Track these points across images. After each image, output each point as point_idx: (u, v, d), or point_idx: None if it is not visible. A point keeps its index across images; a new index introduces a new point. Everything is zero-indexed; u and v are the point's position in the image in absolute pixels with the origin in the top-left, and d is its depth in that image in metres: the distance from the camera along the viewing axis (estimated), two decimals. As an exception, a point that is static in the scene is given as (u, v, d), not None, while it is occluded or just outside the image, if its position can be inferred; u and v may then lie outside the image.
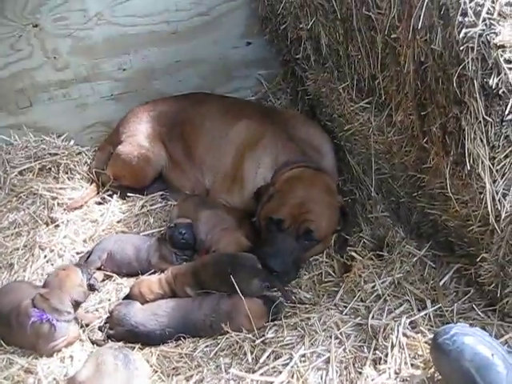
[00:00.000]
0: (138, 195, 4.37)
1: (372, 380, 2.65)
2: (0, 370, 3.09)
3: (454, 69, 2.43)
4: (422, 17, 2.56)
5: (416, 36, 2.67)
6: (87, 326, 3.35)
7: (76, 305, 3.22)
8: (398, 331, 2.79)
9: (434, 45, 2.54)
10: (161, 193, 4.40)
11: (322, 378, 2.74)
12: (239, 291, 3.02)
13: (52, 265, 3.83)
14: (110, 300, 3.53)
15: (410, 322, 2.88)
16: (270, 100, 5.03)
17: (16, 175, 4.62)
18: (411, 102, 2.96)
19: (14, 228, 4.18)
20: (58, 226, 4.15)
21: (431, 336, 2.67)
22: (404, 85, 2.97)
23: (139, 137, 4.42)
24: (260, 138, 4.00)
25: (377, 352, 2.77)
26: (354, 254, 3.37)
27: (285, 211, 3.44)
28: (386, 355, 2.72)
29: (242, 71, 5.10)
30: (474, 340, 2.39)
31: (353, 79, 3.58)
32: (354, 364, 2.77)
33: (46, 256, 3.89)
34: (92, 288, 3.60)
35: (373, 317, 2.97)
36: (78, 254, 3.91)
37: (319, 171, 3.71)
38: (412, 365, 2.66)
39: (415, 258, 3.28)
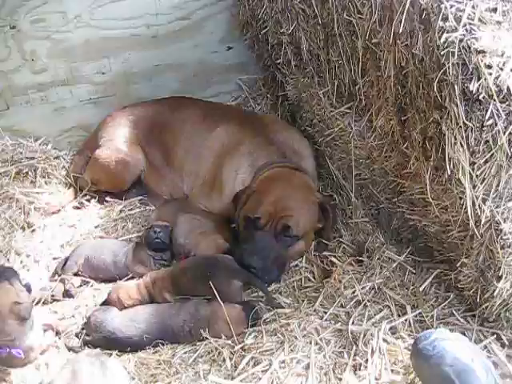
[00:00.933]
0: (116, 200, 4.33)
1: (352, 386, 2.64)
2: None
3: (435, 74, 2.45)
4: (403, 21, 2.57)
5: (397, 41, 2.69)
6: (62, 332, 3.29)
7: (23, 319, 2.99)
8: (378, 337, 2.78)
9: (414, 49, 2.55)
10: (139, 198, 4.36)
11: (301, 385, 2.72)
12: (218, 297, 3.00)
13: (28, 270, 3.76)
14: (87, 306, 3.46)
15: (390, 328, 2.88)
16: (250, 105, 5.03)
17: (-8, 179, 4.54)
18: (392, 107, 2.97)
19: (-10, 233, 4.11)
20: (34, 230, 4.08)
21: (411, 342, 2.67)
22: (384, 90, 2.99)
23: (117, 141, 4.38)
24: (239, 144, 3.97)
25: (357, 358, 2.75)
26: (333, 259, 3.36)
27: (261, 209, 3.41)
28: (366, 361, 2.71)
29: (223, 76, 5.08)
30: (454, 345, 2.39)
31: (333, 84, 3.59)
32: (333, 370, 2.75)
33: (22, 261, 3.81)
34: (68, 294, 3.55)
35: (353, 322, 2.96)
36: (54, 259, 3.84)
37: (297, 170, 3.70)
38: (392, 370, 2.66)
39: (395, 264, 3.28)
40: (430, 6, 2.40)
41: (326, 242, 3.59)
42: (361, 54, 3.11)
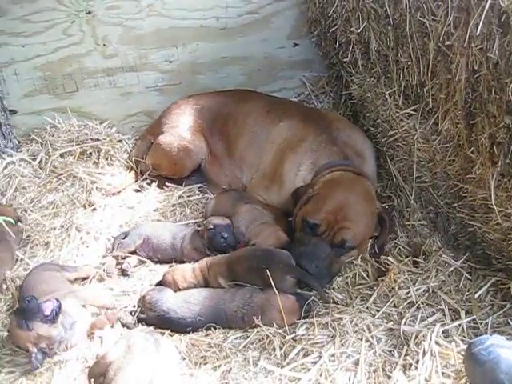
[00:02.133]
0: (175, 185, 4.43)
1: (401, 385, 2.64)
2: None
3: (510, 78, 2.42)
4: (480, 24, 2.54)
5: (471, 44, 2.65)
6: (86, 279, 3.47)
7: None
8: (430, 339, 2.76)
9: (490, 53, 2.52)
10: (199, 185, 4.44)
11: (350, 379, 2.72)
12: (273, 286, 3.02)
13: (87, 247, 3.90)
14: (142, 285, 3.56)
15: (443, 332, 2.85)
16: (312, 102, 5.05)
17: (57, 157, 4.72)
18: (460, 110, 2.94)
19: (53, 208, 4.27)
20: (95, 209, 4.22)
21: (464, 347, 2.65)
22: (454, 93, 2.96)
23: (181, 128, 4.47)
24: (302, 140, 3.98)
25: (407, 358, 2.74)
26: (390, 258, 3.35)
27: (321, 216, 3.40)
28: (417, 362, 2.69)
29: (287, 72, 5.12)
30: (509, 353, 2.36)
31: (400, 85, 3.58)
32: (383, 368, 2.75)
33: (81, 238, 3.96)
34: (124, 273, 3.64)
35: (405, 323, 2.95)
36: (113, 237, 3.95)
37: (360, 175, 3.67)
38: (443, 373, 2.63)
39: (451, 268, 3.25)
40: (511, 8, 2.37)
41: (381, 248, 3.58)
42: (432, 56, 3.08)
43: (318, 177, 3.70)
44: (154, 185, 4.44)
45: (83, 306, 3.23)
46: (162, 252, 3.72)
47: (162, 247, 3.71)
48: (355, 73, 4.21)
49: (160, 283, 3.43)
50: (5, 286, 3.58)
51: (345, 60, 4.28)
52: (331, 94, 5.01)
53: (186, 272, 3.38)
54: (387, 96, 3.72)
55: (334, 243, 3.38)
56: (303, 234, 3.47)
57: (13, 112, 4.93)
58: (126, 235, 3.82)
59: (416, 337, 2.83)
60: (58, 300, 3.04)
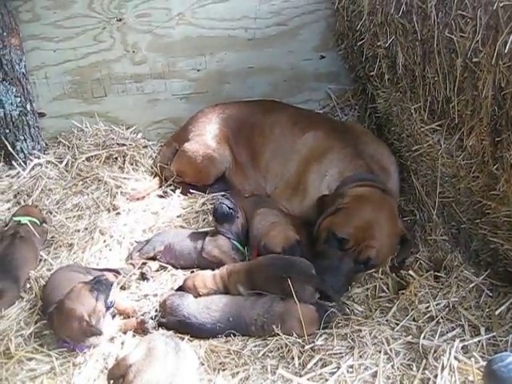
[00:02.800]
0: (199, 193, 4.47)
1: (419, 399, 2.64)
2: (49, 345, 3.20)
3: (537, 97, 2.43)
4: (508, 42, 2.55)
5: (499, 61, 2.67)
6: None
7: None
8: (449, 354, 2.76)
9: (518, 71, 2.53)
10: (222, 193, 4.47)
11: (367, 391, 2.74)
12: (294, 295, 3.04)
13: (110, 250, 3.95)
14: (163, 289, 3.59)
15: (462, 347, 2.85)
16: (337, 115, 5.06)
17: (83, 161, 4.79)
18: (485, 127, 2.95)
19: (77, 210, 4.34)
20: (119, 213, 4.28)
21: (483, 363, 2.65)
22: (480, 109, 2.97)
23: (207, 136, 4.52)
24: (327, 151, 4.00)
25: (426, 372, 2.75)
26: (411, 272, 3.35)
27: (350, 231, 3.40)
28: (436, 376, 2.69)
29: (313, 83, 5.15)
30: (530, 371, 2.36)
31: (426, 100, 3.59)
32: (401, 381, 2.75)
33: (105, 241, 4.01)
34: (144, 277, 3.68)
35: (424, 337, 2.95)
36: (136, 242, 4.00)
37: (387, 194, 3.66)
38: (461, 389, 2.64)
39: (472, 284, 3.24)
40: (540, 28, 2.39)
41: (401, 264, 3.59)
42: (459, 73, 3.10)
43: (345, 188, 3.69)
44: (178, 191, 4.49)
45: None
46: (184, 258, 3.75)
47: (185, 252, 3.75)
48: (381, 87, 4.23)
49: (180, 288, 3.46)
50: (28, 285, 3.64)
51: (371, 74, 4.30)
52: (356, 107, 5.03)
53: (206, 278, 3.41)
54: (413, 111, 3.73)
55: (358, 260, 3.39)
56: (328, 248, 3.47)
57: (41, 115, 5.03)
58: (147, 242, 3.86)
59: (435, 351, 2.84)
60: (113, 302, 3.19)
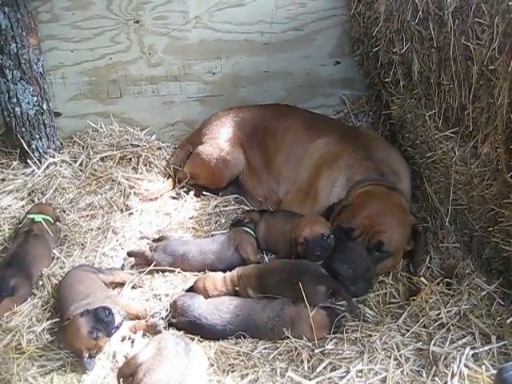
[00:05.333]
0: (212, 195, 4.49)
1: (428, 406, 2.64)
2: (60, 343, 3.22)
3: (553, 105, 2.42)
4: (526, 50, 2.56)
5: (515, 69, 2.67)
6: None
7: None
8: (460, 361, 2.76)
9: (534, 79, 2.53)
10: (235, 196, 4.49)
11: (376, 396, 2.74)
12: (305, 299, 3.05)
13: (122, 249, 3.98)
14: (175, 289, 3.61)
15: (473, 355, 2.84)
16: (351, 121, 5.07)
17: (98, 161, 4.82)
18: (500, 135, 2.94)
19: (90, 210, 4.37)
20: (131, 213, 4.31)
21: (494, 371, 2.64)
22: (495, 117, 2.96)
23: (220, 140, 4.55)
24: (338, 156, 4.01)
25: (436, 379, 2.74)
26: (422, 279, 3.34)
27: (356, 221, 3.44)
28: (445, 383, 2.69)
29: (327, 89, 5.16)
30: (541, 380, 2.34)
31: (441, 108, 3.59)
32: (410, 387, 2.76)
33: (117, 240, 4.04)
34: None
35: (434, 344, 2.94)
36: (148, 244, 3.99)
37: (394, 190, 3.69)
38: (471, 397, 2.63)
39: (484, 293, 3.22)
40: (558, 36, 2.38)
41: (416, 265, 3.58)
42: (474, 80, 3.10)
43: (352, 191, 3.73)
44: (191, 193, 4.51)
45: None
46: (203, 267, 3.74)
47: (208, 262, 3.73)
48: (396, 93, 4.24)
49: (191, 289, 3.48)
50: (41, 283, 3.68)
51: (386, 80, 4.31)
52: (370, 113, 5.04)
53: (216, 280, 3.43)
54: (427, 117, 3.73)
55: (370, 246, 3.40)
56: (338, 242, 3.48)
57: (57, 114, 5.07)
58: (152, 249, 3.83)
59: (445, 358, 2.83)
60: (122, 319, 3.18)
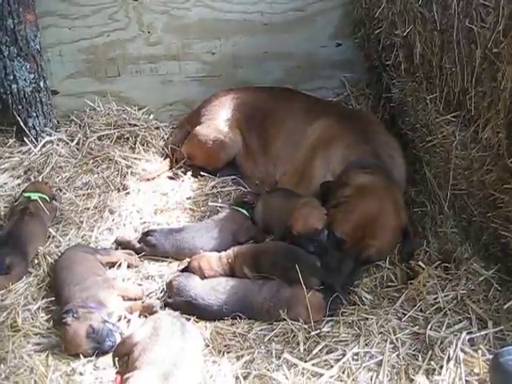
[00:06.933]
0: (210, 176, 4.47)
1: (423, 389, 2.63)
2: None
3: (557, 90, 2.39)
4: (531, 33, 2.52)
5: (520, 52, 2.64)
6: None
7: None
8: (456, 345, 2.75)
9: (538, 63, 2.50)
10: (233, 177, 4.47)
11: (371, 379, 2.73)
12: (302, 282, 3.04)
13: (117, 228, 3.95)
14: (170, 267, 3.61)
15: (469, 340, 2.83)
16: (351, 104, 5.02)
17: (94, 140, 4.80)
18: (502, 119, 2.91)
19: (87, 189, 4.35)
20: (128, 193, 4.28)
21: (490, 356, 2.64)
22: (497, 102, 2.93)
23: (219, 121, 4.51)
24: (335, 138, 3.96)
25: (431, 363, 2.73)
26: (420, 263, 3.32)
27: (348, 231, 3.36)
28: (441, 367, 2.68)
29: (327, 71, 5.11)
30: (537, 365, 2.34)
31: (442, 91, 3.55)
32: (406, 371, 2.74)
33: (114, 220, 4.02)
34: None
35: (431, 328, 2.93)
36: (144, 223, 4.01)
37: (391, 182, 3.62)
38: (467, 381, 2.61)
39: (481, 278, 3.20)
40: None
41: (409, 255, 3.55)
42: (477, 64, 3.06)
43: (349, 174, 3.65)
44: (189, 173, 4.49)
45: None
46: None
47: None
48: (397, 76, 4.19)
49: (186, 269, 3.46)
50: (36, 261, 3.66)
51: (387, 63, 4.26)
52: (370, 96, 4.99)
53: (212, 260, 3.41)
54: (428, 101, 3.69)
55: (358, 259, 3.38)
56: (329, 246, 3.42)
57: (54, 92, 5.02)
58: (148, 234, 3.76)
59: (441, 343, 2.83)
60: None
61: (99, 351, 2.97)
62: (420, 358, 2.80)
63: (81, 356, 2.95)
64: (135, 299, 3.35)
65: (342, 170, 3.74)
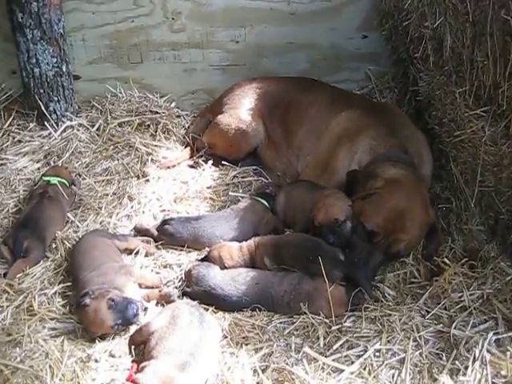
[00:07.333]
0: (231, 165, 4.41)
1: (447, 389, 2.56)
2: (72, 307, 3.18)
3: None
4: None
5: (558, 45, 2.55)
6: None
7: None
8: (482, 346, 2.68)
9: None
10: (254, 167, 4.41)
11: (393, 377, 2.67)
12: (324, 275, 2.97)
13: (136, 215, 3.91)
14: (189, 256, 3.57)
15: (495, 340, 2.76)
16: (375, 97, 4.93)
17: (115, 126, 4.76)
18: (535, 115, 2.83)
19: (107, 175, 4.32)
20: (148, 180, 4.24)
21: (518, 358, 2.56)
22: (531, 96, 2.85)
23: (241, 110, 4.45)
24: (361, 129, 3.88)
25: (456, 363, 2.66)
26: (446, 260, 3.23)
27: (380, 223, 3.29)
28: (466, 368, 2.61)
29: (353, 63, 5.02)
30: None
31: (472, 85, 3.46)
32: (429, 370, 2.68)
33: (132, 207, 3.98)
34: None
35: (455, 327, 2.86)
36: (163, 211, 3.97)
37: (420, 179, 3.54)
38: (493, 383, 2.54)
39: (508, 277, 3.12)
40: None
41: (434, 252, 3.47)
42: (511, 57, 2.98)
43: (377, 165, 3.57)
44: (209, 162, 4.43)
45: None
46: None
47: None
48: (425, 69, 4.10)
49: (205, 259, 3.42)
50: (54, 246, 3.64)
51: (415, 56, 4.17)
52: (396, 90, 4.89)
53: (232, 250, 3.37)
54: (457, 95, 3.60)
55: (387, 253, 3.31)
56: (357, 239, 3.36)
57: (76, 77, 4.98)
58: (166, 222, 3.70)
59: (466, 342, 2.75)
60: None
61: (124, 323, 2.95)
62: (444, 358, 2.73)
63: (96, 342, 2.93)
64: (152, 287, 3.30)
65: (369, 161, 3.67)
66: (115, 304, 2.93)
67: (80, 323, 3.05)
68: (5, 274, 3.39)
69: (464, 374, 2.59)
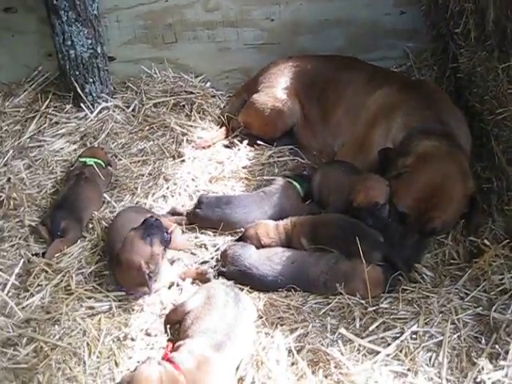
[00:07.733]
0: (267, 145, 4.36)
1: (487, 373, 2.51)
2: (108, 286, 3.23)
3: None
4: None
5: None
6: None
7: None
8: (524, 330, 2.62)
9: None
10: (290, 147, 4.36)
11: (430, 360, 2.65)
12: (362, 255, 2.92)
13: (172, 196, 3.92)
14: (224, 238, 3.56)
15: (538, 325, 2.69)
16: (414, 75, 4.77)
17: (151, 106, 4.75)
18: None
19: (142, 156, 4.33)
20: (183, 161, 4.23)
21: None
22: None
23: (277, 89, 4.39)
24: (397, 106, 3.79)
25: (496, 347, 2.62)
26: (486, 241, 3.15)
27: (411, 204, 3.22)
28: (507, 352, 2.57)
29: (391, 40, 4.88)
30: None
31: (516, 61, 3.35)
32: (467, 353, 2.64)
33: (168, 187, 3.99)
34: None
35: (495, 310, 2.81)
36: (198, 191, 3.95)
37: (457, 148, 3.42)
38: (534, 368, 2.49)
39: (553, 262, 3.04)
40: None
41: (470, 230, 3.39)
42: (559, 30, 2.87)
43: (410, 141, 3.48)
44: (245, 142, 4.40)
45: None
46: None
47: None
48: (465, 45, 3.97)
49: (241, 238, 3.41)
50: (91, 226, 3.68)
51: (455, 31, 4.04)
52: (435, 68, 4.73)
53: (269, 228, 3.36)
54: (500, 71, 3.47)
55: (423, 231, 3.24)
56: (391, 221, 3.31)
57: (111, 59, 4.98)
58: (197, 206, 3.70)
59: (507, 326, 2.70)
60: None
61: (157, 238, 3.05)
62: (483, 341, 2.69)
63: (133, 321, 2.95)
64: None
65: (403, 138, 3.58)
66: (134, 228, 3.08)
67: (117, 300, 3.12)
68: (43, 254, 3.45)
69: (504, 359, 2.55)
